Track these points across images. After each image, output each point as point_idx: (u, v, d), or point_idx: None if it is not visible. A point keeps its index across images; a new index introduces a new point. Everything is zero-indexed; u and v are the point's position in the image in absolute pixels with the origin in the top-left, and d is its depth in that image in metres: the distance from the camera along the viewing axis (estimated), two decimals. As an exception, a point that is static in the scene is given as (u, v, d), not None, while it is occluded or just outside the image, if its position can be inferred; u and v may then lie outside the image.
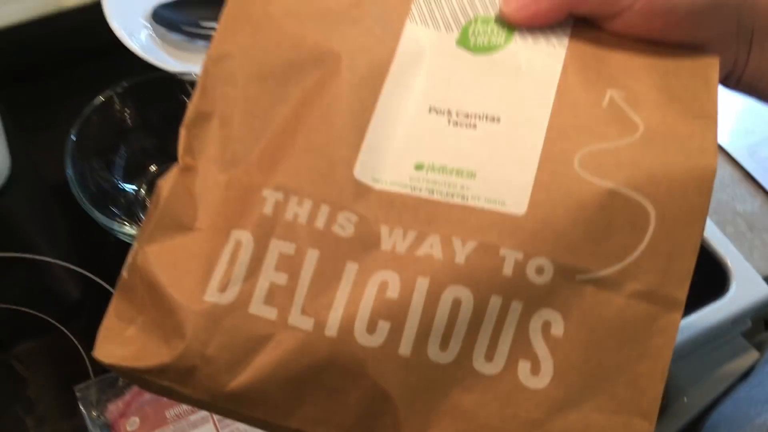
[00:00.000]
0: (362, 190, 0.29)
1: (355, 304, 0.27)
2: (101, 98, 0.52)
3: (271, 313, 0.28)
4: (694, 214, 0.27)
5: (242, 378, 0.28)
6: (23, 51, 0.67)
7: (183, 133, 0.31)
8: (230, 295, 0.28)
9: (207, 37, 0.65)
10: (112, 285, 0.53)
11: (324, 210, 0.29)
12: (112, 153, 0.55)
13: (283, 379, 0.27)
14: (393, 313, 0.27)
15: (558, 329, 0.27)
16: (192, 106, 0.32)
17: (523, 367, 0.27)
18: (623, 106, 0.29)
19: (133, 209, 0.54)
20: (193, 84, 0.55)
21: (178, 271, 0.29)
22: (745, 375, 0.57)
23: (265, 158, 0.30)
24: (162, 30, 0.65)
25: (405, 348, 0.27)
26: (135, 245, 0.31)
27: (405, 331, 0.27)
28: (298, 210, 0.29)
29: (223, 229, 0.29)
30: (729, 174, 0.64)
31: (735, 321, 0.55)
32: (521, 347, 0.27)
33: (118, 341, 0.29)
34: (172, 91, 0.55)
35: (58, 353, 0.51)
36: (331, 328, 0.27)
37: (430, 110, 0.31)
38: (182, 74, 0.55)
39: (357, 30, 0.32)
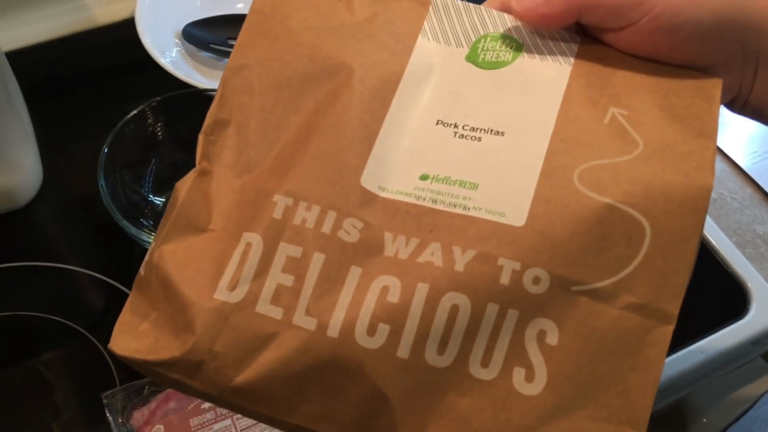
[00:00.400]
0: (368, 198, 0.30)
1: (357, 307, 0.28)
2: (134, 112, 0.53)
3: (276, 313, 0.29)
4: (689, 230, 0.28)
5: (247, 374, 0.29)
6: (58, 66, 0.68)
7: (201, 138, 0.33)
8: (239, 294, 0.29)
9: (235, 55, 0.67)
10: (139, 295, 0.55)
11: (331, 216, 0.30)
12: (143, 166, 0.56)
13: (286, 377, 0.28)
14: (393, 316, 0.28)
15: (553, 338, 0.28)
16: (210, 114, 0.33)
17: (518, 373, 0.28)
18: (624, 124, 0.30)
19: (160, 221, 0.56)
20: (222, 100, 0.56)
21: (190, 269, 0.30)
22: (763, 396, 0.57)
23: (278, 165, 0.31)
24: (192, 48, 0.66)
25: (403, 351, 0.28)
26: (152, 244, 0.32)
27: (404, 334, 0.28)
28: (306, 215, 0.30)
29: (235, 231, 0.30)
30: (749, 195, 0.64)
31: (754, 342, 0.55)
32: (516, 354, 0.28)
33: (132, 335, 0.31)
34: (201, 106, 0.56)
35: (84, 361, 0.52)
36: (333, 329, 0.28)
37: (437, 123, 0.32)
38: (211, 90, 0.56)
39: (370, 44, 0.33)
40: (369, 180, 0.30)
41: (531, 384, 0.28)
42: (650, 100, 0.31)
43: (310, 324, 0.28)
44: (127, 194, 0.54)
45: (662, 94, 0.31)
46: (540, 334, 0.28)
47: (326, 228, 0.30)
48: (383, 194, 0.30)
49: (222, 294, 0.29)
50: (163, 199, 0.57)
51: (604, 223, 0.28)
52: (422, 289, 0.28)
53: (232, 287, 0.29)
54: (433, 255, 0.29)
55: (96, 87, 0.67)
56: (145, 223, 0.54)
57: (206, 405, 0.47)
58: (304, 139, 0.31)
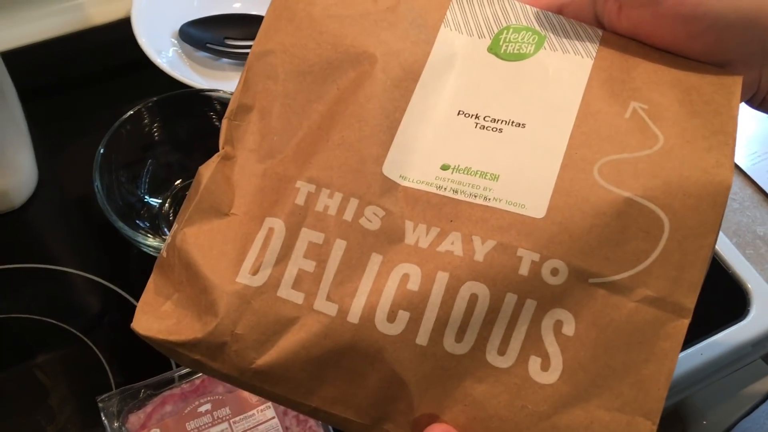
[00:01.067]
0: (390, 187, 0.30)
1: (378, 294, 0.29)
2: (130, 112, 0.53)
3: (298, 298, 0.29)
4: (707, 226, 0.28)
5: (268, 356, 0.29)
6: (53, 66, 0.68)
7: (225, 123, 0.33)
8: (261, 278, 0.30)
9: (231, 55, 0.66)
10: (135, 297, 0.54)
11: (353, 203, 0.30)
12: (139, 167, 0.56)
13: (306, 360, 0.29)
14: (413, 304, 0.28)
15: (569, 328, 0.28)
16: (234, 99, 0.33)
17: (534, 362, 0.28)
18: (645, 118, 0.30)
19: (157, 222, 0.55)
20: (218, 101, 0.55)
21: (213, 252, 0.30)
22: (766, 399, 0.57)
23: (300, 151, 0.32)
24: (188, 47, 0.66)
25: (422, 337, 0.28)
26: (174, 226, 0.32)
27: (423, 321, 0.28)
28: (328, 202, 0.30)
29: (257, 216, 0.31)
30: (749, 196, 0.64)
31: (755, 344, 0.55)
32: (533, 343, 0.28)
33: (155, 315, 0.31)
34: (198, 107, 0.56)
35: (80, 364, 0.51)
36: (354, 315, 0.29)
37: (458, 113, 0.32)
38: (208, 91, 0.55)
39: (393, 33, 0.33)
40: (390, 169, 0.31)
41: (546, 373, 0.28)
42: (671, 95, 0.31)
43: (331, 309, 0.29)
44: (123, 195, 0.53)
45: (682, 90, 0.31)
46: (557, 324, 0.28)
47: (348, 215, 0.30)
48: (404, 183, 0.31)
49: (244, 277, 0.30)
50: (159, 201, 0.57)
51: (623, 217, 0.28)
52: (442, 278, 0.28)
53: (255, 271, 0.30)
54: (453, 244, 0.29)
55: (92, 87, 0.67)
56: (141, 224, 0.53)
57: (203, 408, 0.47)
58: (326, 126, 0.32)
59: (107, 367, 0.51)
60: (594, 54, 0.32)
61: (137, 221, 0.53)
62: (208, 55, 0.66)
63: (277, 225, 0.30)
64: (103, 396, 0.47)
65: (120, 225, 0.49)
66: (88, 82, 0.67)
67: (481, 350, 0.28)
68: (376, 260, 0.29)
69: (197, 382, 0.48)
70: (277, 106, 0.32)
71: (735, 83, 0.31)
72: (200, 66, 0.66)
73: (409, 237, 0.30)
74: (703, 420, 0.55)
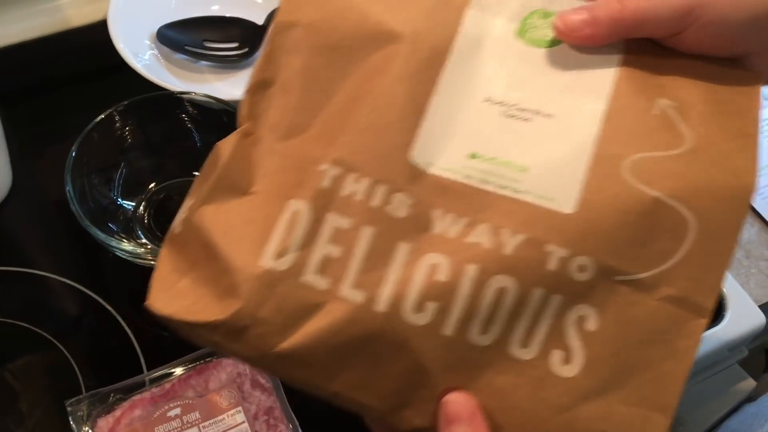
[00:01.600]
0: (417, 174, 0.30)
1: (405, 283, 0.29)
2: (102, 116, 0.53)
3: (323, 284, 0.29)
4: (730, 228, 0.29)
5: (292, 341, 0.29)
6: (30, 68, 0.67)
7: (245, 98, 0.32)
8: (286, 262, 0.29)
9: (210, 57, 0.66)
10: (109, 301, 0.54)
11: (380, 189, 0.30)
12: (112, 170, 0.55)
13: (331, 346, 0.29)
14: (441, 295, 0.28)
15: (592, 324, 0.28)
16: (255, 73, 0.32)
17: (556, 355, 0.28)
18: (672, 116, 0.30)
19: (131, 226, 0.55)
20: (190, 102, 0.55)
21: (234, 233, 0.30)
22: (742, 404, 0.57)
23: (325, 131, 0.31)
24: (166, 50, 0.65)
25: (448, 329, 0.28)
26: (188, 202, 0.31)
27: (450, 312, 0.28)
28: (355, 187, 0.30)
29: (279, 196, 0.30)
30: (727, 201, 0.64)
31: (730, 348, 0.55)
32: (556, 337, 0.29)
33: (171, 293, 0.30)
34: (172, 109, 0.55)
35: (51, 368, 0.51)
36: (381, 304, 0.29)
37: (485, 100, 0.32)
38: (182, 93, 0.55)
39: (420, 13, 0.32)
40: (418, 155, 0.30)
41: (568, 366, 0.28)
42: (696, 92, 0.31)
43: (358, 297, 0.29)
44: (96, 198, 0.53)
45: (707, 89, 0.31)
46: (580, 319, 0.28)
47: (375, 202, 0.30)
48: (432, 170, 0.30)
49: (269, 261, 0.29)
50: (134, 204, 0.56)
51: (650, 216, 0.29)
52: (470, 270, 0.28)
53: (279, 255, 0.29)
54: (481, 236, 0.29)
55: (68, 90, 0.67)
56: (114, 228, 0.53)
57: (172, 413, 0.46)
58: (351, 107, 0.31)
59: (78, 372, 0.50)
60: (622, 47, 0.32)
61: (110, 225, 0.53)
62: (186, 58, 0.66)
63: (302, 208, 0.30)
64: (72, 400, 0.47)
65: (93, 230, 0.49)
66: (65, 85, 0.67)
67: (505, 342, 0.28)
68: (403, 249, 0.29)
69: (167, 386, 0.48)
70: (300, 81, 0.32)
71: (757, 84, 0.31)
72: (178, 69, 0.65)
73: (437, 226, 0.29)
74: (679, 425, 0.55)
